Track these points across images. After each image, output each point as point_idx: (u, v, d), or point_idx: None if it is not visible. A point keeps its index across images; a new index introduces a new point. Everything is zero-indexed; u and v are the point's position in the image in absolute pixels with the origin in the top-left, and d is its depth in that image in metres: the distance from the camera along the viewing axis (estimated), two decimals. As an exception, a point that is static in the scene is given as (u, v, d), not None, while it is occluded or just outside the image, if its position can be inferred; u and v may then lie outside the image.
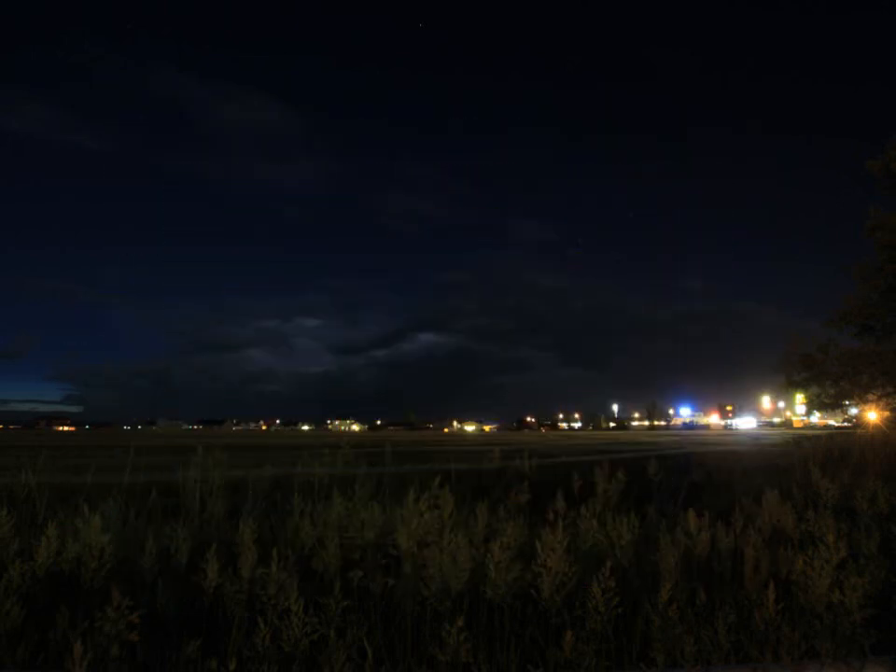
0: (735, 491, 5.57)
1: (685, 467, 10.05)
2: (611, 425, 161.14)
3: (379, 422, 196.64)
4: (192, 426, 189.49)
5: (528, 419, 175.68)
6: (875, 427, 12.00)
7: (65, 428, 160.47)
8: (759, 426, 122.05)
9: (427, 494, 3.59)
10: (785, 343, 13.82)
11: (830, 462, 7.80)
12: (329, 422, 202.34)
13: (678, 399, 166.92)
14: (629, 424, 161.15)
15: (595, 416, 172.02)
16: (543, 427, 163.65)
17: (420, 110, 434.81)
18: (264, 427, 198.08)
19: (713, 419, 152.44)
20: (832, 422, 53.39)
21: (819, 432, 15.98)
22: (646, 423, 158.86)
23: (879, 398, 12.41)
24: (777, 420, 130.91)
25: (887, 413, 12.23)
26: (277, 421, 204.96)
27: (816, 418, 58.84)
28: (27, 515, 4.24)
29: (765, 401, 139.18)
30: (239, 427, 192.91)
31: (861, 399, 12.74)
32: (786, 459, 9.13)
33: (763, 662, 3.03)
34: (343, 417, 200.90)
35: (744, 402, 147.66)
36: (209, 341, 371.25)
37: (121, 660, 2.74)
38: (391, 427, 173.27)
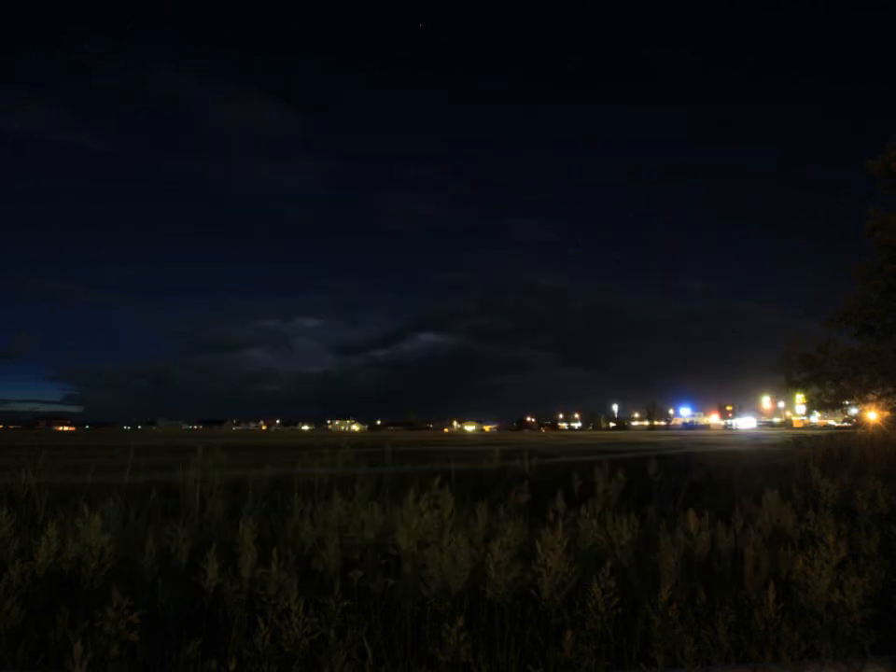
0: (735, 491, 5.57)
1: (685, 467, 10.05)
2: (611, 425, 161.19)
3: (379, 422, 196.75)
4: (192, 426, 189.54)
5: (528, 419, 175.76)
6: (875, 426, 12.00)
7: (65, 428, 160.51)
8: (759, 426, 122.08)
9: (427, 494, 3.59)
10: (785, 342, 13.84)
11: (830, 462, 7.80)
12: (329, 422, 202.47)
13: (678, 398, 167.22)
14: (629, 424, 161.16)
15: (595, 416, 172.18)
16: (543, 426, 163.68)
17: (420, 110, 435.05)
18: (264, 427, 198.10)
19: (713, 419, 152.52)
20: (832, 422, 53.39)
21: (819, 432, 15.98)
22: (646, 423, 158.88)
23: (879, 398, 12.41)
24: (777, 420, 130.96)
25: (887, 413, 12.23)
26: (277, 421, 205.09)
27: (816, 418, 58.87)
28: (27, 515, 4.24)
29: (765, 401, 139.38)
30: (239, 427, 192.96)
31: (861, 399, 12.75)
32: (786, 459, 9.14)
33: (763, 662, 3.03)
34: (343, 417, 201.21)
35: (744, 402, 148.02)
36: (209, 341, 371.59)
37: (121, 660, 2.74)
38: (391, 427, 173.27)
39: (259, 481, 5.64)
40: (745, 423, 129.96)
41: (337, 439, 12.71)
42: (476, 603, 3.19)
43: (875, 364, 12.03)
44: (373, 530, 3.57)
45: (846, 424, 29.61)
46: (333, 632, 2.87)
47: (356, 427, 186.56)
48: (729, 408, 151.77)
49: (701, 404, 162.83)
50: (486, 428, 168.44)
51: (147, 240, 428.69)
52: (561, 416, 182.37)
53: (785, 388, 14.03)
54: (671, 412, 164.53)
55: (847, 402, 13.41)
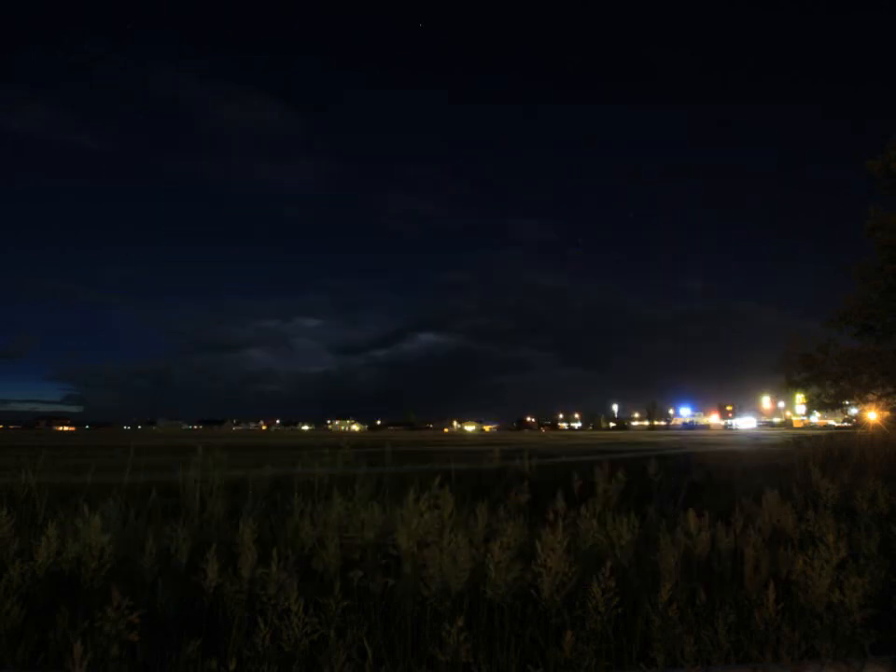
0: (735, 491, 5.57)
1: (685, 467, 10.05)
2: (611, 425, 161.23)
3: (379, 422, 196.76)
4: (192, 426, 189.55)
5: (528, 419, 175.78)
6: (875, 426, 12.00)
7: (65, 428, 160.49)
8: (759, 426, 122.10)
9: (426, 494, 3.59)
10: (785, 342, 13.84)
11: (830, 462, 7.80)
12: (329, 422, 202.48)
13: (678, 398, 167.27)
14: (629, 424, 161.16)
15: (595, 416, 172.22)
16: (543, 427, 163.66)
17: (420, 110, 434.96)
18: (264, 427, 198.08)
19: (713, 419, 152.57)
20: (832, 422, 53.39)
21: (819, 432, 15.99)
22: (646, 423, 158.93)
23: (879, 398, 12.41)
24: (777, 420, 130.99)
25: (887, 413, 12.23)
26: (277, 421, 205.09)
27: (816, 418, 58.86)
28: (27, 515, 4.24)
29: (765, 401, 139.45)
30: (239, 427, 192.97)
31: (861, 399, 12.75)
32: (786, 459, 9.14)
33: (763, 662, 3.03)
34: (343, 417, 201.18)
35: (744, 402, 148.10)
36: (209, 341, 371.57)
37: (121, 660, 2.74)
38: (391, 427, 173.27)
39: (259, 481, 5.64)
40: (745, 423, 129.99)
41: (337, 439, 12.71)
42: (476, 603, 3.19)
43: (875, 364, 12.03)
44: (373, 530, 3.57)
45: (846, 424, 29.61)
46: (333, 632, 2.87)
47: (356, 427, 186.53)
48: (729, 408, 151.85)
49: (701, 404, 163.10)
50: (486, 428, 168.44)
51: (147, 240, 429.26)
52: (561, 416, 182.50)
53: (785, 388, 14.04)
54: (671, 412, 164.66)
55: (846, 402, 13.41)
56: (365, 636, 2.96)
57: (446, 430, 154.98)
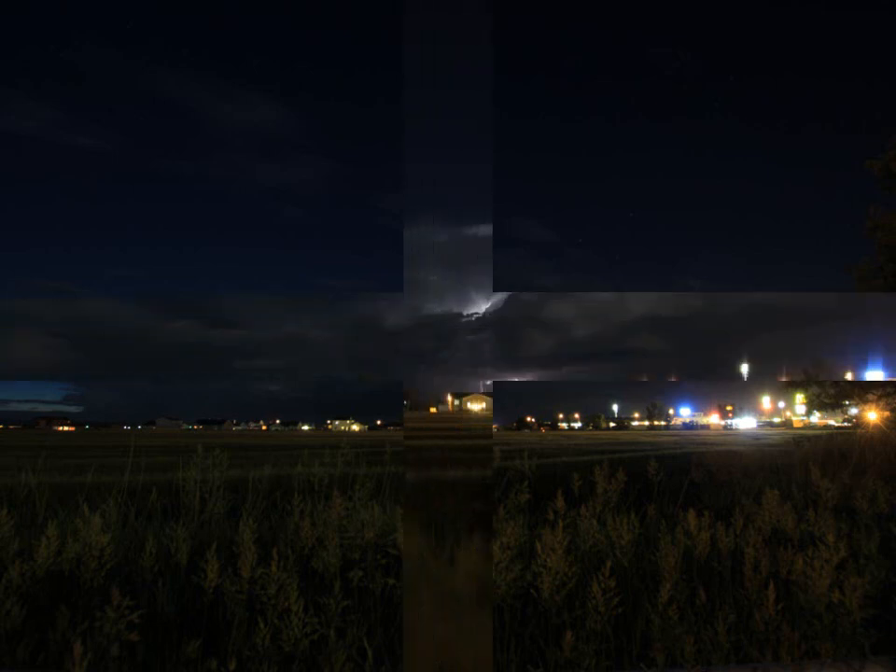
0: (735, 491, 5.58)
1: (685, 467, 10.05)
2: (611, 425, 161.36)
3: (379, 422, 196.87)
4: (192, 426, 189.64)
5: (528, 419, 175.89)
6: (875, 426, 12.00)
7: (65, 428, 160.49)
8: (759, 426, 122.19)
9: (427, 494, 3.58)
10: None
11: (830, 462, 7.81)
12: (328, 422, 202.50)
13: (678, 398, 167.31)
14: (629, 424, 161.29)
15: (595, 416, 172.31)
16: (543, 427, 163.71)
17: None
18: (264, 428, 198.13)
19: (713, 419, 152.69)
20: (832, 422, 53.39)
21: (819, 432, 16.00)
22: (646, 423, 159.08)
23: (879, 398, 12.41)
24: (777, 420, 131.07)
25: (887, 413, 12.23)
26: (277, 421, 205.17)
27: (816, 418, 58.87)
28: (27, 515, 4.24)
29: (765, 401, 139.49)
30: (239, 427, 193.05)
31: (861, 399, 12.76)
32: (786, 459, 9.14)
33: (763, 662, 3.03)
34: (343, 417, 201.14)
35: (744, 402, 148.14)
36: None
37: (121, 660, 2.74)
38: (391, 427, 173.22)
39: (259, 481, 5.64)
40: (745, 423, 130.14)
41: (337, 439, 12.71)
42: (476, 603, 3.19)
43: (875, 364, 12.02)
44: (373, 530, 3.57)
45: (846, 424, 29.61)
46: (333, 632, 2.87)
47: (356, 427, 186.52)
48: (729, 408, 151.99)
49: (701, 404, 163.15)
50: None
51: (147, 240, 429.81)
52: (561, 416, 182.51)
53: (785, 388, 14.06)
54: (671, 412, 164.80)
55: (847, 402, 13.42)
56: (365, 636, 2.96)
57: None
